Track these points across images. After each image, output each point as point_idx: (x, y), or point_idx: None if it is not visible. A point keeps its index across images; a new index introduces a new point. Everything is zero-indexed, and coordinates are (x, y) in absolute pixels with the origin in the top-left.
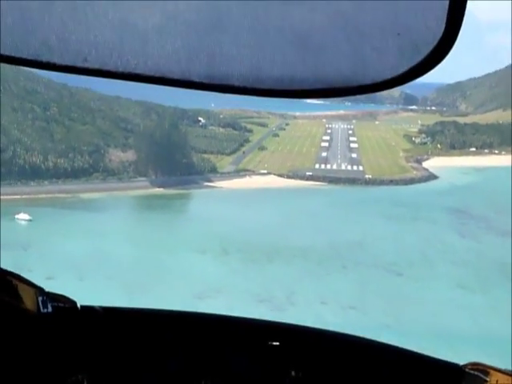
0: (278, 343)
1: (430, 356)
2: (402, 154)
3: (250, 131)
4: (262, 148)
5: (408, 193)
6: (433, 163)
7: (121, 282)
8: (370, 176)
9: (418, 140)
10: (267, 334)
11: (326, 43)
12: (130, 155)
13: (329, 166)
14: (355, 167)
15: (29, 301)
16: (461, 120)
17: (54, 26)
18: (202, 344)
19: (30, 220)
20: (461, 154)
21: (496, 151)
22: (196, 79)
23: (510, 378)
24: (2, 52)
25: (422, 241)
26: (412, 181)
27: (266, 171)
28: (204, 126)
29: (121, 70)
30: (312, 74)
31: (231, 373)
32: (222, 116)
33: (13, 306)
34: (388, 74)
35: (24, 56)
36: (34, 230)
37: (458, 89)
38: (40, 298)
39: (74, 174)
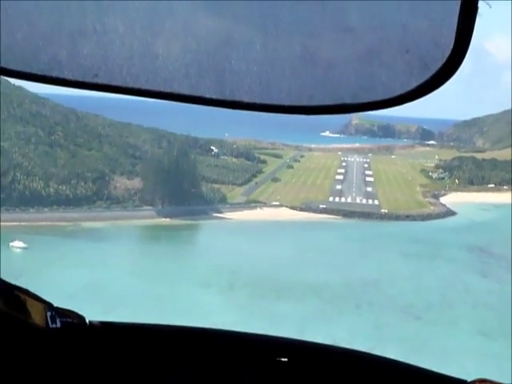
0: (286, 359)
1: (437, 372)
2: (419, 188)
3: (264, 162)
4: (275, 179)
5: (425, 229)
6: (450, 199)
7: (116, 318)
8: (386, 210)
9: (435, 175)
10: (275, 349)
11: (335, 59)
12: (136, 183)
13: (343, 200)
14: (370, 201)
15: (37, 316)
16: (478, 156)
17: (63, 42)
18: (210, 360)
19: (25, 248)
20: (479, 190)
21: None
22: (205, 95)
23: None
24: (13, 67)
25: (441, 281)
26: (429, 216)
27: (278, 203)
28: (216, 156)
29: (130, 85)
30: (321, 90)
31: None
32: (235, 146)
33: (21, 321)
34: (397, 91)
35: (34, 71)
36: (29, 258)
37: (475, 125)
38: (49, 314)
39: (76, 202)
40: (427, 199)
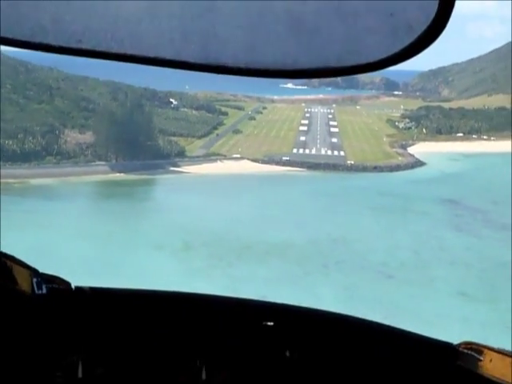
0: (272, 323)
1: (424, 335)
2: (385, 139)
3: (225, 114)
4: (237, 131)
5: (394, 180)
6: (419, 149)
7: None
8: (353, 162)
9: (401, 125)
10: (261, 314)
11: (320, 24)
12: (88, 137)
13: (307, 151)
14: (336, 152)
15: (24, 282)
16: (445, 105)
17: (47, 8)
18: (195, 324)
19: None
20: (448, 140)
21: (485, 136)
22: (190, 60)
23: (503, 356)
24: None
25: (414, 236)
26: (398, 167)
27: (239, 155)
28: (176, 108)
29: (114, 50)
30: (306, 54)
31: (225, 353)
32: (196, 98)
33: (8, 287)
34: (382, 54)
35: (18, 37)
36: None
37: (440, 74)
38: (35, 280)
39: (24, 157)
40: (394, 149)
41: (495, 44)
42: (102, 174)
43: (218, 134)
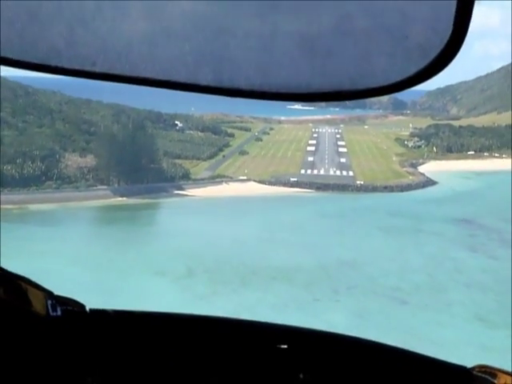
0: (286, 346)
1: (438, 359)
2: (395, 158)
3: (231, 135)
4: (243, 152)
5: (405, 200)
6: (429, 167)
7: None
8: (362, 182)
9: (411, 144)
10: (275, 336)
11: (334, 46)
12: (89, 160)
13: (316, 172)
14: (345, 172)
15: (38, 304)
16: (455, 123)
17: (62, 31)
18: (210, 347)
19: None
20: (459, 158)
21: (496, 154)
22: (203, 83)
23: None
24: (12, 56)
25: (427, 258)
26: (408, 187)
27: (245, 177)
28: (181, 130)
29: (128, 73)
30: (319, 77)
31: (239, 376)
32: (201, 120)
33: (23, 309)
34: (396, 77)
35: (33, 60)
36: None
37: (448, 92)
38: (49, 302)
39: (23, 182)
40: (405, 169)
41: (501, 62)
42: (103, 198)
43: (224, 156)
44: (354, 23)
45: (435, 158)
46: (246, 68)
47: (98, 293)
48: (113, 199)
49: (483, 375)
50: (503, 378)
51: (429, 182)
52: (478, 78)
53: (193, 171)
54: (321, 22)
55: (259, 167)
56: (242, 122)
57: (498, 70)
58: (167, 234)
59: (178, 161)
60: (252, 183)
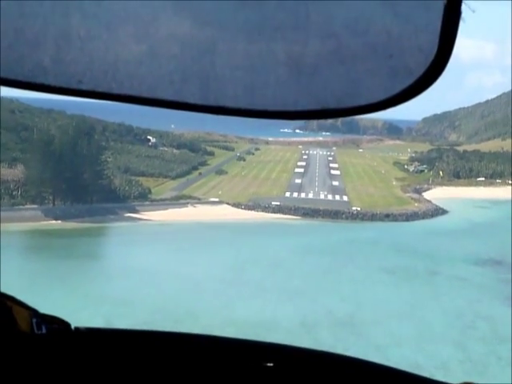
0: (271, 364)
1: (424, 377)
2: (395, 182)
3: (211, 154)
4: (221, 172)
5: (413, 232)
6: (436, 194)
7: None
8: (359, 208)
9: (411, 168)
10: (260, 354)
11: (319, 65)
12: (17, 173)
13: (303, 195)
14: (338, 197)
15: (23, 322)
16: (458, 148)
17: (48, 49)
18: (195, 365)
19: None
20: (469, 184)
21: (510, 181)
22: (190, 101)
23: None
24: None
25: (453, 316)
26: (415, 216)
27: (217, 199)
28: (154, 146)
29: (115, 91)
30: (305, 95)
31: None
32: (180, 137)
33: (7, 328)
34: (381, 96)
35: (19, 78)
36: None
37: (445, 119)
38: (34, 320)
39: None
40: (408, 194)
41: (494, 94)
42: (31, 220)
43: (201, 173)
44: (339, 42)
45: (441, 184)
46: (232, 86)
47: None
48: (44, 222)
49: None
50: None
51: (438, 211)
52: (478, 104)
53: (155, 191)
54: (307, 41)
55: (236, 188)
56: (225, 141)
57: (499, 97)
58: (102, 271)
59: (140, 178)
60: (225, 206)
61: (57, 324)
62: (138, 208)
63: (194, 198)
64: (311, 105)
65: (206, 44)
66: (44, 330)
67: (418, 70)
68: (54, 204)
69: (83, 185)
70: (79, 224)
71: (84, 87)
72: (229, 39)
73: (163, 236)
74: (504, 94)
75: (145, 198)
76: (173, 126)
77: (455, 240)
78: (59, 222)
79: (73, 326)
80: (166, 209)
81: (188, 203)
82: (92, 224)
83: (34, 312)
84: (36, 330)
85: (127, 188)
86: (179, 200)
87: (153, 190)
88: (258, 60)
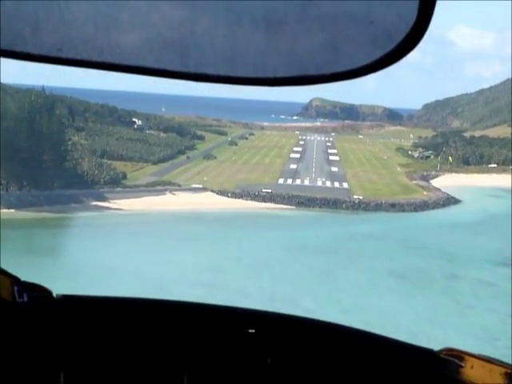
0: (253, 331)
1: (404, 342)
2: (399, 169)
3: (201, 138)
4: (209, 157)
5: (424, 225)
6: (445, 181)
7: None
8: (361, 197)
9: (416, 154)
10: (243, 321)
11: (300, 32)
12: None
13: (298, 182)
14: (337, 184)
15: (5, 291)
16: (465, 134)
17: (28, 17)
18: (177, 331)
19: None
20: (480, 171)
21: None
22: (170, 68)
23: (484, 363)
24: None
25: (485, 340)
26: (424, 205)
27: (200, 186)
28: (140, 129)
29: (95, 59)
30: (286, 62)
31: (206, 360)
32: (169, 120)
33: None
34: (361, 62)
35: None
36: None
37: (447, 105)
38: (16, 288)
39: None
40: (415, 182)
41: (493, 83)
42: None
43: (188, 157)
44: (319, 9)
45: (450, 171)
46: (212, 54)
47: None
48: None
49: (450, 358)
50: (470, 361)
51: (450, 200)
52: (481, 91)
53: (131, 176)
54: (287, 9)
55: (224, 174)
56: (218, 126)
57: (503, 83)
58: (52, 269)
59: (116, 162)
60: (208, 194)
61: (38, 292)
62: (106, 195)
63: (174, 184)
64: (291, 72)
65: (186, 12)
66: (26, 298)
67: (398, 37)
68: (7, 190)
69: (42, 167)
70: (35, 213)
71: (64, 55)
72: (208, 7)
73: (131, 228)
74: (508, 79)
75: (116, 183)
76: (163, 109)
77: (473, 234)
78: (12, 210)
79: (54, 294)
80: (141, 197)
81: (166, 190)
82: (50, 214)
83: (15, 280)
84: (18, 298)
85: (96, 172)
86: (156, 186)
87: (128, 176)
88: (237, 27)
